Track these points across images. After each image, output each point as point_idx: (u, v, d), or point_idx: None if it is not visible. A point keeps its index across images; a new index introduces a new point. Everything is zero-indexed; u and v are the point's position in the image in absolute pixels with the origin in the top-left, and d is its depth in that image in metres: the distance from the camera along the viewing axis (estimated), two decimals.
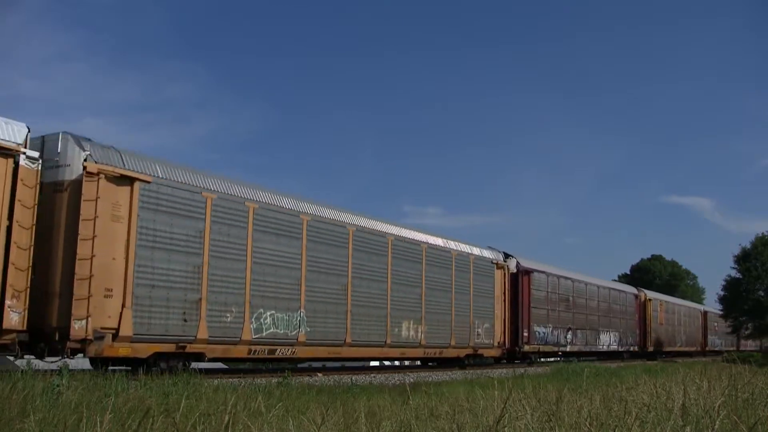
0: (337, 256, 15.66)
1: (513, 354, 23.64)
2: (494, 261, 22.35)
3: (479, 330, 20.98)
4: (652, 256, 78.09)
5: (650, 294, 38.69)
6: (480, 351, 21.16)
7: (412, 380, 14.25)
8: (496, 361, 23.09)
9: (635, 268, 77.61)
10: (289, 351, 14.25)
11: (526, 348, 23.95)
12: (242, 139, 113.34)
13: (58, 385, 6.86)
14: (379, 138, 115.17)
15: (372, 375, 15.87)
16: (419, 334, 18.16)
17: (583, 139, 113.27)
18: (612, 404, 6.03)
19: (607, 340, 31.89)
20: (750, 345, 57.39)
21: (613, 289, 33.99)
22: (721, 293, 45.35)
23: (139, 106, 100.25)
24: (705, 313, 49.17)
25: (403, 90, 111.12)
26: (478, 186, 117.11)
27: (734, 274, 44.25)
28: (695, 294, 74.26)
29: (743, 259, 43.25)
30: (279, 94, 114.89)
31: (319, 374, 14.79)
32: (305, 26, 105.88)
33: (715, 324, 50.67)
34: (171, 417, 5.17)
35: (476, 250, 21.53)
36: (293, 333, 14.19)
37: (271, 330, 13.69)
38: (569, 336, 27.75)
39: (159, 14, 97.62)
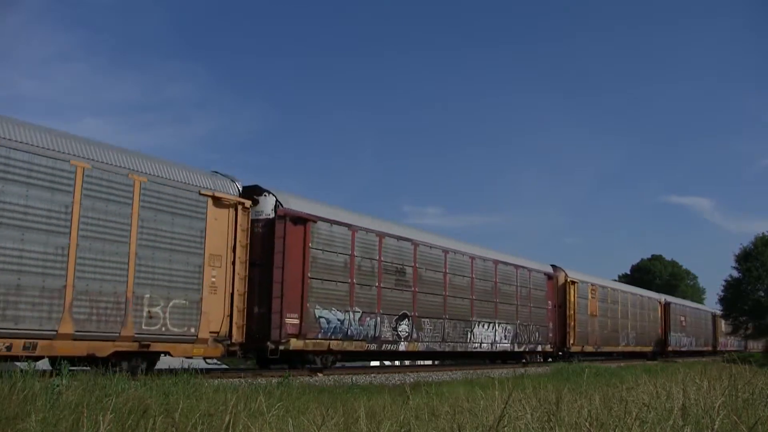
0: None
1: (263, 353, 14.36)
2: (206, 191, 12.75)
3: (158, 309, 11.84)
4: (652, 256, 78.33)
5: (575, 275, 28.08)
6: (161, 348, 11.95)
7: (412, 380, 14.41)
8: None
9: (635, 268, 77.85)
10: None
11: (295, 344, 14.38)
12: (242, 139, 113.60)
13: (57, 385, 6.86)
14: (379, 138, 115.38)
15: (372, 375, 15.92)
16: None
17: (583, 139, 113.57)
18: (612, 404, 6.04)
19: (490, 336, 21.65)
20: (731, 345, 52.65)
21: (504, 262, 22.95)
22: (722, 294, 45.52)
23: (139, 106, 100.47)
24: (666, 305, 38.88)
25: (403, 90, 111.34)
26: (478, 186, 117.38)
27: (735, 274, 44.46)
28: (695, 294, 74.37)
29: (744, 258, 43.35)
30: (279, 94, 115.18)
31: (320, 374, 14.83)
32: (305, 26, 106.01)
33: (682, 318, 41.22)
34: (171, 417, 5.17)
35: (151, 165, 12.03)
36: None
37: None
38: (404, 327, 17.70)
39: (159, 14, 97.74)
